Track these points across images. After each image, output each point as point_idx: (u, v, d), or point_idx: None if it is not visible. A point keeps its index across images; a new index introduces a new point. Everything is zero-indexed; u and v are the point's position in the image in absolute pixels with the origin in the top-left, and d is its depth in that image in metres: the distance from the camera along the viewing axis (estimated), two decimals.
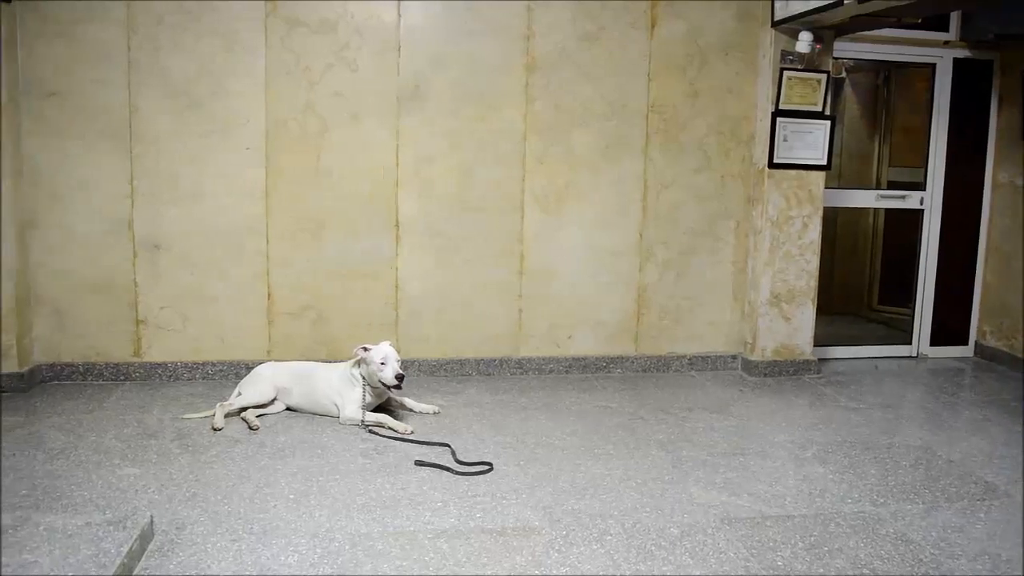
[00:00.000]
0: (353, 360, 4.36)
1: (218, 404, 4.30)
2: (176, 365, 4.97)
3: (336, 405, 4.33)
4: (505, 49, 5.04)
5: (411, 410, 4.49)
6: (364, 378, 4.29)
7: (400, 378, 4.19)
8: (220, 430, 4.12)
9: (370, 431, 4.16)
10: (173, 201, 4.84)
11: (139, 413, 4.37)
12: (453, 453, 3.88)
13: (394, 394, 4.43)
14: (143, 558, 2.84)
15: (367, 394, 4.29)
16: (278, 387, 4.43)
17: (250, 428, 4.15)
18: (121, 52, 4.68)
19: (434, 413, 4.48)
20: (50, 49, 4.62)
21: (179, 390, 4.78)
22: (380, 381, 4.22)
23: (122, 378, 4.92)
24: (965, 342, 6.22)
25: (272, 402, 4.42)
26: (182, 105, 4.78)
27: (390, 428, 4.17)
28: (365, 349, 4.27)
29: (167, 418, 4.29)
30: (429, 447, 3.98)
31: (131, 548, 2.74)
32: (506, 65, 5.06)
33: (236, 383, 4.56)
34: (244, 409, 4.30)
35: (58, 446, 3.86)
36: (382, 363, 4.20)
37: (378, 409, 4.39)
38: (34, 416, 4.28)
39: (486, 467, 3.73)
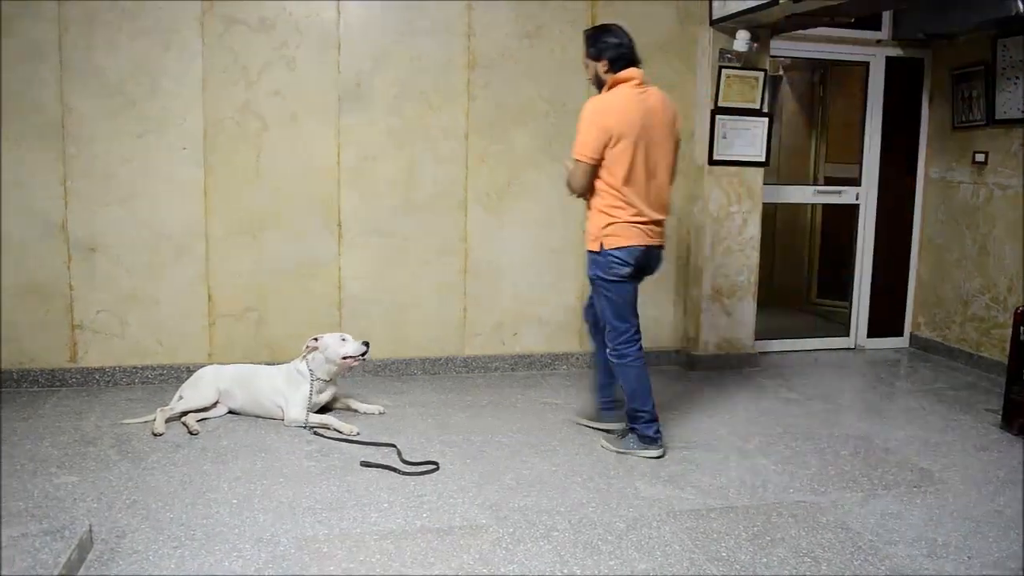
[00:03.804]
0: (300, 356, 4.32)
1: (158, 409, 4.22)
2: (114, 370, 4.86)
3: (280, 407, 4.28)
4: (446, 48, 5.03)
5: (356, 411, 4.46)
6: (313, 372, 4.25)
7: (367, 344, 4.25)
8: (161, 435, 4.04)
9: (315, 433, 4.13)
10: (109, 202, 4.73)
11: (76, 420, 4.26)
12: (399, 453, 3.86)
13: (340, 395, 4.43)
14: (82, 568, 2.77)
15: (314, 393, 4.25)
16: (220, 390, 4.36)
17: (190, 432, 4.08)
18: (53, 50, 4.56)
19: (379, 413, 4.46)
20: None
21: (118, 395, 4.68)
22: (344, 357, 4.22)
23: (58, 384, 4.80)
24: (901, 333, 6.37)
25: (214, 405, 4.35)
26: (117, 105, 4.67)
27: (335, 429, 4.13)
28: (316, 339, 4.25)
29: (105, 424, 4.20)
30: (375, 448, 3.96)
31: (69, 558, 2.67)
32: (447, 64, 5.05)
33: (177, 387, 4.46)
34: (185, 413, 4.22)
35: None
36: (343, 339, 4.25)
37: (323, 410, 4.36)
38: None
39: (432, 466, 3.73)
